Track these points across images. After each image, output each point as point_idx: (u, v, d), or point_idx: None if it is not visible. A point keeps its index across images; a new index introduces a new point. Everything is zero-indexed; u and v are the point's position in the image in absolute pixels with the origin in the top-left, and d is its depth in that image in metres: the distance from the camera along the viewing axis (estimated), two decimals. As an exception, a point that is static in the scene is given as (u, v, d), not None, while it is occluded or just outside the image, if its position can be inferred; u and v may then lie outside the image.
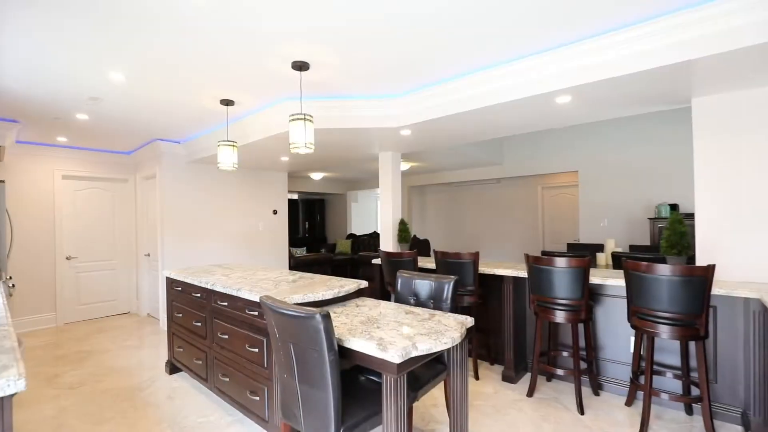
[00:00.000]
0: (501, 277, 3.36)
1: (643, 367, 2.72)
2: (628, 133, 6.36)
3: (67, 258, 5.27)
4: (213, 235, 5.70)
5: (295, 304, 2.23)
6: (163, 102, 3.44)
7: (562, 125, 3.63)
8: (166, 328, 4.22)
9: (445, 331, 1.83)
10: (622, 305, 2.91)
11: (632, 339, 2.87)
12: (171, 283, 3.46)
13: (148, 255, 5.62)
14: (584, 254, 3.74)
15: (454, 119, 3.33)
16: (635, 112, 3.23)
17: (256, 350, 2.38)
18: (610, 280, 2.80)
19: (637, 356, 2.65)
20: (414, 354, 1.61)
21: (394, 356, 1.55)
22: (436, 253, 3.45)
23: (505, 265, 3.58)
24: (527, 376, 3.31)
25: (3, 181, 3.91)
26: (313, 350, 1.64)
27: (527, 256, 2.89)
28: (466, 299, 3.28)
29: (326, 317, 1.58)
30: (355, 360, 1.75)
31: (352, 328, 1.88)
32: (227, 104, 3.47)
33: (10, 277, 3.72)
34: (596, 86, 2.52)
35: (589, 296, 2.87)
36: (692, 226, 2.74)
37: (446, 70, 2.85)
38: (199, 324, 3.01)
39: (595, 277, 2.86)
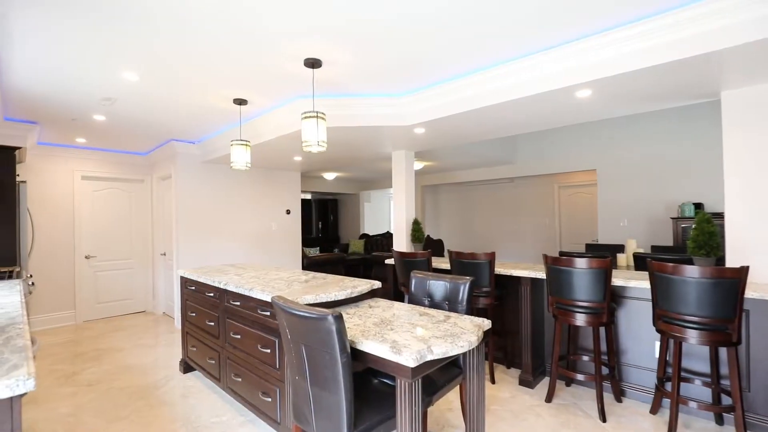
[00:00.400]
0: (518, 279, 3.27)
1: (670, 373, 2.61)
2: (649, 130, 6.16)
3: (86, 257, 5.37)
4: (227, 234, 5.74)
5: (307, 304, 2.19)
6: (177, 102, 3.46)
7: (581, 121, 3.51)
8: (180, 327, 4.25)
9: (461, 334, 1.76)
10: (646, 308, 2.79)
11: (657, 344, 2.74)
12: (185, 282, 3.47)
13: (164, 254, 5.69)
14: (605, 255, 3.62)
15: (469, 116, 3.26)
16: (659, 107, 3.10)
17: (268, 351, 2.36)
18: (634, 282, 2.68)
19: (662, 362, 2.53)
20: (429, 358, 1.55)
21: (409, 360, 1.49)
22: (450, 253, 3.37)
23: (521, 265, 3.48)
24: (545, 381, 3.21)
25: (24, 182, 4.00)
26: (325, 352, 1.59)
27: (546, 257, 2.80)
28: (482, 301, 3.20)
29: (339, 318, 1.54)
30: (368, 363, 1.70)
31: (365, 329, 1.83)
32: (240, 103, 3.46)
33: (30, 276, 3.79)
34: (619, 79, 2.42)
35: (611, 298, 2.76)
36: (721, 226, 2.61)
37: (462, 66, 2.77)
38: (212, 323, 3.01)
39: (618, 279, 2.75)
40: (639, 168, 6.27)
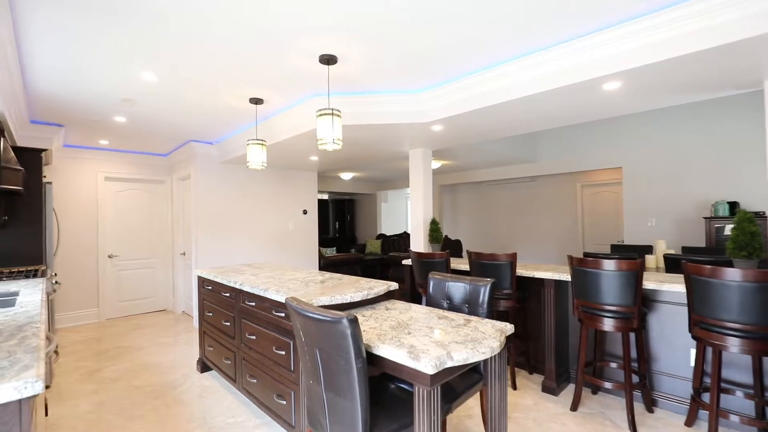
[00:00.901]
0: (541, 281, 3.14)
1: (707, 383, 2.44)
2: (679, 125, 5.87)
3: (109, 256, 5.49)
4: (244, 234, 5.77)
5: (322, 306, 2.14)
6: (194, 102, 3.47)
7: (607, 116, 3.35)
8: (198, 326, 4.27)
9: (483, 339, 1.67)
10: (680, 313, 2.62)
11: (693, 352, 2.57)
12: (202, 282, 3.48)
13: (184, 254, 5.76)
14: (633, 256, 3.45)
15: (489, 112, 3.14)
16: (692, 99, 2.92)
17: (283, 353, 2.31)
18: (667, 285, 2.52)
19: (699, 371, 2.36)
20: (449, 364, 1.47)
21: (427, 366, 1.41)
22: (470, 254, 3.27)
23: (544, 267, 3.34)
24: (570, 388, 3.07)
25: (50, 183, 4.10)
26: (340, 357, 1.53)
27: (571, 258, 2.66)
28: (503, 303, 3.09)
29: (353, 322, 1.47)
30: (385, 368, 1.63)
31: (382, 333, 1.76)
32: (256, 103, 3.45)
33: (55, 274, 3.89)
34: (652, 69, 2.27)
35: (642, 302, 2.60)
36: (763, 226, 2.42)
37: (483, 59, 2.67)
38: (228, 323, 2.99)
39: (649, 282, 2.59)
40: (668, 165, 5.99)
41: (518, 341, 3.44)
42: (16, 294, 2.49)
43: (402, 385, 1.90)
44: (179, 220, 5.90)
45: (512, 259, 3.03)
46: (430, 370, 1.41)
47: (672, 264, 3.53)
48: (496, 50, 2.53)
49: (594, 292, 2.53)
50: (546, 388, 3.00)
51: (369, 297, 2.35)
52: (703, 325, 2.17)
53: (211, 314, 3.31)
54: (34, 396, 1.21)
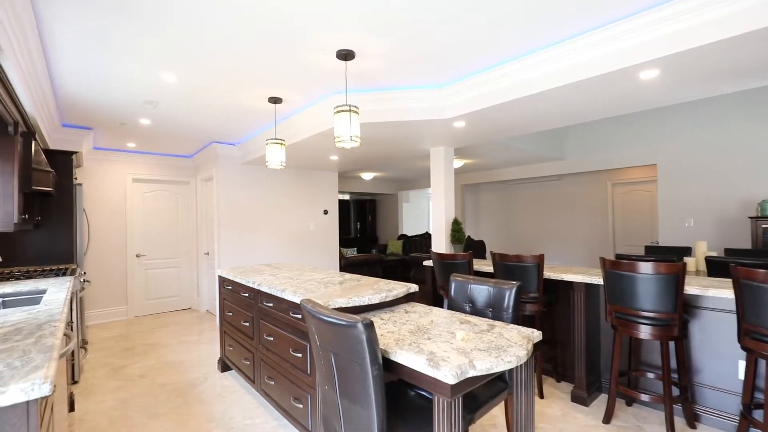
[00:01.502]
0: (570, 284, 2.97)
1: (760, 399, 2.22)
2: (721, 116, 5.49)
3: (136, 255, 5.64)
4: (266, 234, 5.81)
5: (339, 308, 2.07)
6: (214, 102, 3.49)
7: (643, 108, 3.13)
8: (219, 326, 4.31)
9: (508, 347, 1.56)
10: (727, 321, 2.41)
11: (742, 364, 2.35)
12: (223, 281, 3.50)
13: (207, 254, 5.86)
14: (671, 258, 3.22)
15: (514, 106, 3.00)
16: (740, 87, 2.68)
17: (300, 355, 2.26)
18: (712, 291, 2.32)
19: (749, 385, 2.15)
20: (471, 374, 1.37)
21: (448, 376, 1.32)
22: (494, 255, 3.13)
23: (574, 269, 3.17)
24: (602, 398, 2.88)
25: (80, 184, 4.24)
26: (355, 363, 1.45)
27: (603, 260, 2.49)
28: (529, 307, 2.94)
29: (369, 326, 1.39)
30: (402, 375, 1.54)
31: (400, 338, 1.68)
32: (275, 102, 3.44)
33: (84, 273, 4.00)
34: (694, 54, 2.08)
35: (683, 308, 2.41)
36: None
37: (508, 50, 2.54)
38: (247, 324, 2.98)
39: (692, 287, 2.39)
40: (707, 161, 5.61)
41: (545, 347, 3.27)
42: (43, 292, 2.55)
43: (421, 392, 1.81)
44: (203, 220, 6.00)
45: (539, 260, 2.88)
46: (451, 380, 1.31)
47: (715, 267, 3.27)
48: (522, 41, 2.40)
49: (629, 297, 2.35)
50: (576, 398, 2.83)
51: (388, 299, 2.27)
52: (755, 335, 1.97)
53: (231, 314, 3.32)
54: (44, 397, 1.19)
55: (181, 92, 3.20)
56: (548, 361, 3.27)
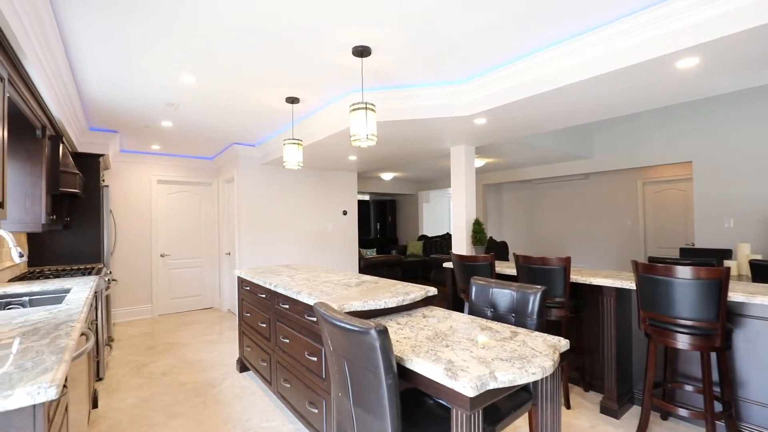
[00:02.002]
0: (599, 288, 2.81)
1: (815, 418, 2.02)
2: (762, 109, 5.13)
3: (161, 255, 5.78)
4: (285, 235, 5.84)
5: (354, 312, 2.01)
6: (232, 104, 3.51)
7: (680, 101, 2.93)
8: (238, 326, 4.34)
9: (533, 356, 1.45)
10: (776, 331, 2.21)
11: (795, 378, 2.15)
12: (241, 282, 3.50)
13: (229, 254, 5.93)
14: (710, 261, 3.00)
15: (538, 101, 2.87)
16: (790, 78, 2.46)
17: (315, 359, 2.22)
18: (760, 298, 2.12)
19: (804, 402, 1.96)
20: (492, 386, 1.28)
21: (467, 387, 1.23)
22: (517, 257, 3.00)
23: (603, 273, 3.00)
24: (634, 410, 2.71)
25: (107, 186, 4.36)
26: (368, 370, 1.38)
27: (636, 264, 2.33)
28: (555, 312, 2.80)
29: (383, 333, 1.32)
30: (418, 384, 1.46)
31: (417, 344, 1.60)
32: (292, 102, 3.42)
33: (110, 272, 4.10)
34: (740, 39, 1.91)
35: (726, 317, 2.22)
36: None
37: (531, 42, 2.42)
38: (264, 325, 2.96)
39: (736, 293, 2.20)
40: (750, 157, 5.25)
41: (572, 354, 3.12)
42: (67, 291, 2.60)
43: (440, 401, 1.72)
44: (224, 220, 6.08)
45: (566, 263, 2.73)
46: (470, 392, 1.22)
47: (761, 271, 3.03)
48: (550, 30, 2.28)
49: (665, 304, 2.19)
50: (605, 409, 2.67)
51: (405, 303, 2.19)
52: (810, 347, 1.78)
53: (249, 315, 3.31)
54: (54, 400, 1.18)
55: (199, 94, 3.22)
56: (575, 369, 3.11)
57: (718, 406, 2.37)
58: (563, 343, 1.64)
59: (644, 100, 2.90)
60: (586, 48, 2.34)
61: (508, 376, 1.30)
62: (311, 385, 2.28)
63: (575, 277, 2.87)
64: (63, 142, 3.29)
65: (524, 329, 1.82)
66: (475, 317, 2.04)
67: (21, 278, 3.14)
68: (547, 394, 1.72)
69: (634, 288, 2.51)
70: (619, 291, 2.71)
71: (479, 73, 2.90)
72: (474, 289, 2.23)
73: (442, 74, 2.91)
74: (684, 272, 2.10)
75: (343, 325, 1.43)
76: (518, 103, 2.88)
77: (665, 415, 2.59)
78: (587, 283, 2.82)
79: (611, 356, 2.69)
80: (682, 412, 2.20)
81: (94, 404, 2.88)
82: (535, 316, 1.96)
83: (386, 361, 1.33)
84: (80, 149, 4.16)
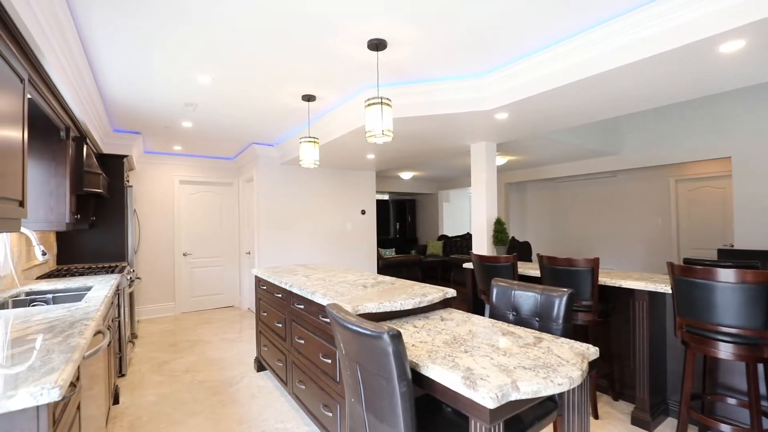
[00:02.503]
0: (630, 292, 2.64)
1: None
2: (813, 104, 4.75)
3: (183, 254, 5.88)
4: (304, 234, 5.84)
5: (368, 314, 1.94)
6: (250, 103, 3.50)
7: (721, 90, 2.72)
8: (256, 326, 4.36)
9: (559, 365, 1.34)
10: (833, 341, 2.00)
11: None
12: (258, 281, 3.50)
13: (249, 253, 5.99)
14: (754, 264, 2.78)
15: (564, 93, 2.72)
16: None
17: (329, 362, 2.16)
18: (814, 304, 1.92)
19: None
20: (514, 397, 1.18)
21: (486, 398, 1.14)
22: (541, 258, 2.87)
23: (634, 275, 2.82)
24: (668, 423, 2.53)
25: (131, 186, 4.46)
26: (381, 377, 1.31)
27: (672, 266, 2.17)
28: (581, 317, 2.65)
29: (396, 338, 1.25)
30: (435, 392, 1.38)
31: (433, 349, 1.51)
32: (309, 100, 3.38)
33: (133, 270, 4.19)
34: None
35: (775, 325, 2.02)
36: None
37: (557, 31, 2.29)
38: (280, 325, 2.94)
39: (787, 299, 2.01)
40: (796, 153, 4.88)
41: (600, 361, 2.95)
42: (88, 289, 2.65)
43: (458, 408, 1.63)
44: (244, 220, 6.14)
45: (593, 265, 2.58)
46: (490, 404, 1.13)
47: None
48: (576, 16, 2.14)
49: (705, 310, 2.02)
50: (637, 421, 2.50)
51: (422, 305, 2.10)
52: None
53: (266, 314, 3.30)
54: (60, 401, 1.16)
55: (217, 93, 3.23)
56: (603, 376, 2.94)
57: (766, 422, 2.18)
58: (592, 351, 1.52)
59: (682, 90, 2.71)
60: (616, 35, 2.18)
61: (532, 387, 1.20)
62: (325, 387, 2.23)
63: (604, 279, 2.71)
64: (87, 143, 3.37)
65: (549, 335, 1.70)
66: (496, 321, 1.94)
67: (49, 275, 3.23)
68: (574, 405, 1.60)
69: (669, 292, 2.34)
70: (652, 295, 2.54)
71: (501, 65, 2.78)
72: (495, 291, 2.12)
73: (461, 67, 2.80)
74: (727, 275, 1.93)
75: (354, 328, 1.36)
76: (543, 95, 2.74)
77: (704, 429, 2.40)
78: (617, 286, 2.65)
79: (643, 364, 2.52)
80: (724, 427, 2.03)
81: (116, 400, 2.93)
82: (561, 321, 1.84)
83: (400, 367, 1.25)
84: (105, 150, 4.26)
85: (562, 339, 1.64)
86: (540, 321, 1.90)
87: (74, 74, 2.45)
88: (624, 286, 2.61)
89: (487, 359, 1.40)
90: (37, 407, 1.02)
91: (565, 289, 1.84)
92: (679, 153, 5.95)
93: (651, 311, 2.54)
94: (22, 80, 1.82)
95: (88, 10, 2.01)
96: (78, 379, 1.41)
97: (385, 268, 7.24)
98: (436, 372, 1.33)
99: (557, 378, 1.25)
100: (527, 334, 1.70)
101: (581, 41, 2.34)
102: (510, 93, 2.86)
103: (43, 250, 2.31)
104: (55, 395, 1.02)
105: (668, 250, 6.91)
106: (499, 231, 4.27)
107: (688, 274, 2.07)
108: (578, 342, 1.60)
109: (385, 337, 1.24)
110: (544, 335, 1.70)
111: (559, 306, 1.84)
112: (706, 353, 2.06)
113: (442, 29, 2.25)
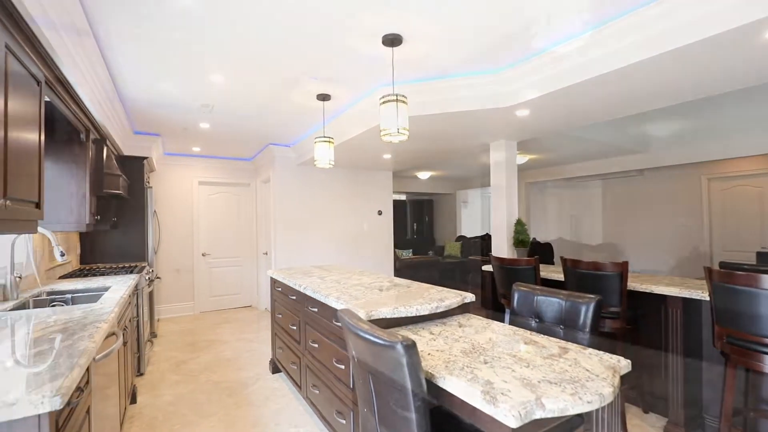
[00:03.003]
0: (662, 297, 2.48)
1: None
2: None
3: (202, 254, 5.96)
4: (320, 235, 5.82)
5: (382, 319, 1.87)
6: (264, 103, 3.49)
7: (756, 83, 2.52)
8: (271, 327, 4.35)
9: (587, 380, 1.23)
10: None
11: None
12: (273, 283, 3.48)
13: (266, 253, 6.01)
14: (802, 269, 2.56)
15: (590, 87, 2.56)
16: None
17: (342, 367, 2.10)
18: None
19: None
20: (538, 416, 1.08)
21: (508, 416, 1.05)
22: (564, 261, 2.73)
23: (665, 280, 2.66)
24: (706, 439, 2.36)
25: (151, 187, 4.52)
26: (394, 388, 1.24)
27: (710, 271, 2.01)
28: (609, 324, 2.50)
29: (410, 348, 1.17)
30: (451, 406, 1.29)
31: (450, 359, 1.43)
32: (323, 99, 3.34)
33: (152, 270, 4.24)
34: None
35: (829, 337, 1.85)
36: None
37: (585, 17, 2.15)
38: (295, 327, 2.90)
39: (843, 309, 1.82)
40: (844, 149, 4.54)
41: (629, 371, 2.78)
42: (106, 289, 2.67)
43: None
44: (262, 220, 6.17)
45: (622, 269, 2.43)
46: (512, 422, 1.04)
47: None
48: (601, 5, 2.01)
49: (748, 319, 1.85)
50: (671, 436, 2.34)
51: (439, 310, 2.02)
52: None
53: (280, 316, 3.27)
54: (65, 407, 1.13)
55: (231, 94, 3.22)
56: (632, 387, 2.78)
57: (816, 443, 1.99)
58: (623, 364, 1.41)
59: (719, 82, 2.52)
60: (649, 23, 2.03)
61: (558, 404, 1.10)
62: (339, 393, 2.17)
63: (633, 284, 2.56)
64: (107, 145, 3.43)
65: (575, 345, 1.59)
66: (517, 329, 1.83)
67: (71, 275, 3.29)
68: (603, 422, 1.48)
69: (706, 299, 2.18)
70: (687, 301, 2.37)
71: (521, 60, 2.65)
72: (516, 296, 2.02)
73: (481, 62, 2.69)
74: (774, 282, 1.76)
75: (367, 336, 1.29)
76: (566, 90, 2.60)
77: (746, 448, 2.22)
78: (647, 291, 2.49)
79: (677, 376, 2.36)
80: (771, 447, 1.86)
81: (133, 399, 2.95)
82: (587, 329, 1.72)
83: (414, 380, 1.18)
84: (126, 152, 4.34)
85: (590, 350, 1.53)
86: (565, 329, 1.79)
87: (91, 75, 2.47)
88: (656, 291, 2.45)
89: (508, 371, 1.31)
90: (39, 416, 0.99)
91: (592, 296, 1.72)
92: (713, 149, 5.64)
93: (685, 319, 2.38)
94: (38, 82, 1.83)
95: (102, 13, 2.02)
96: (87, 383, 1.38)
97: (402, 269, 7.16)
98: (453, 384, 1.25)
99: (586, 395, 1.14)
100: (551, 344, 1.59)
101: (611, 29, 2.18)
102: (532, 88, 2.72)
103: (61, 251, 2.34)
104: (56, 404, 0.98)
105: (701, 253, 6.57)
106: (520, 232, 4.13)
107: (729, 281, 1.91)
108: (608, 353, 1.48)
109: (399, 347, 1.17)
110: (570, 345, 1.59)
111: (586, 313, 1.72)
112: (749, 366, 1.89)
113: (463, 21, 2.15)
